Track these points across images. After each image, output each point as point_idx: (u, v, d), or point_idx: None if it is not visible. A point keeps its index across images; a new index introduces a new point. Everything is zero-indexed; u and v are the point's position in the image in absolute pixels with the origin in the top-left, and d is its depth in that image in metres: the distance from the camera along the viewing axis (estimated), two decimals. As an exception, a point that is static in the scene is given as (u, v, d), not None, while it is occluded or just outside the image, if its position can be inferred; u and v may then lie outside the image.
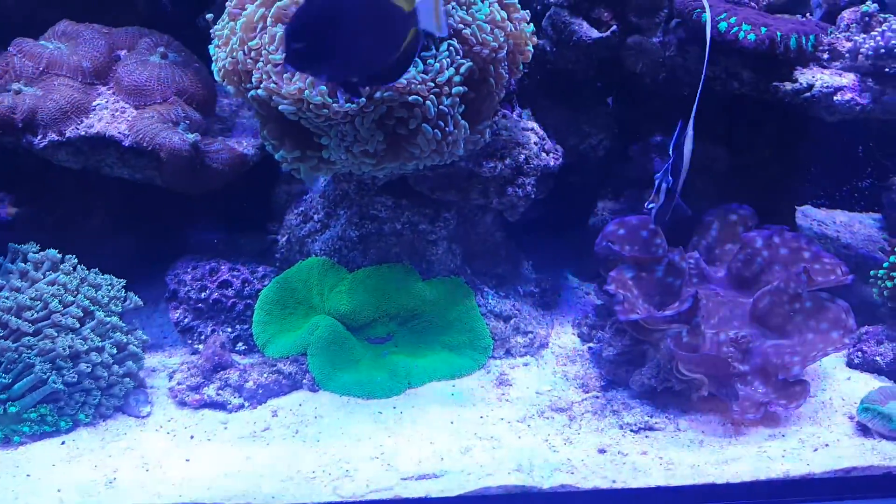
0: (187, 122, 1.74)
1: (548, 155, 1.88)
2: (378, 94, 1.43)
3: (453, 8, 1.48)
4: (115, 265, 1.83)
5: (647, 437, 1.73)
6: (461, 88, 1.49)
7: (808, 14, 2.11)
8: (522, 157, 1.81)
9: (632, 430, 1.74)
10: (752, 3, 1.99)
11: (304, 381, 1.81)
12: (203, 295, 1.83)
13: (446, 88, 1.48)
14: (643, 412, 1.79)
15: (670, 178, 1.66)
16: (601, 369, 1.91)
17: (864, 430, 1.71)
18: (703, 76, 1.65)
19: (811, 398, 1.87)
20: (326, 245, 1.86)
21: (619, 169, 2.24)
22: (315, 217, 1.87)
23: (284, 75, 1.44)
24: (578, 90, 2.03)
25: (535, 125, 1.88)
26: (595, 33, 1.79)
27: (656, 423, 1.76)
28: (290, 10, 1.46)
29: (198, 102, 1.80)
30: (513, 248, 2.14)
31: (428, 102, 1.47)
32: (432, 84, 1.46)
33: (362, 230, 1.84)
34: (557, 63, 1.91)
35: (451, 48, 1.48)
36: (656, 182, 1.66)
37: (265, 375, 1.78)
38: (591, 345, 2.03)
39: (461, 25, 1.49)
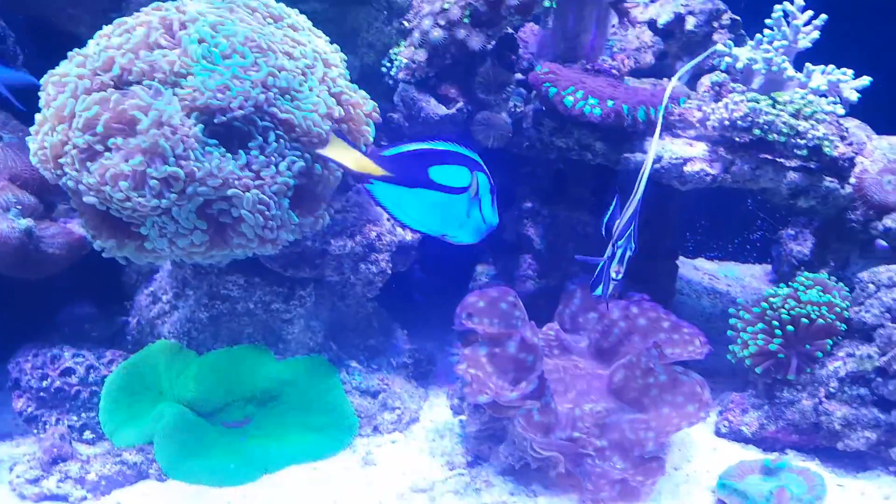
0: (19, 207, 1.68)
1: (404, 230, 1.85)
2: (190, 189, 1.39)
3: (275, 98, 1.45)
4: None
5: (505, 516, 1.70)
6: (289, 179, 1.46)
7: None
8: (374, 234, 1.78)
9: (492, 511, 1.71)
10: (614, 70, 2.00)
11: (151, 470, 1.74)
12: (44, 384, 1.77)
13: (270, 180, 1.45)
14: (504, 490, 1.76)
15: (633, 244, 1.64)
16: (468, 444, 1.88)
17: (723, 507, 1.70)
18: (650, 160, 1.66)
19: (676, 470, 1.86)
20: (175, 327, 1.81)
21: (496, 234, 2.23)
22: (164, 298, 1.82)
23: (87, 163, 1.39)
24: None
25: (388, 200, 1.85)
26: (442, 110, 1.78)
27: (515, 501, 1.73)
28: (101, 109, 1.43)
29: (36, 185, 1.75)
30: (386, 318, 2.11)
31: (250, 194, 1.44)
32: (253, 176, 1.43)
33: (212, 311, 1.80)
34: (413, 138, 1.89)
35: (279, 139, 1.45)
36: (619, 251, 1.63)
37: (108, 466, 1.71)
38: (461, 418, 2.00)
39: (287, 115, 1.46)
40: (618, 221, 1.68)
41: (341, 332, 2.00)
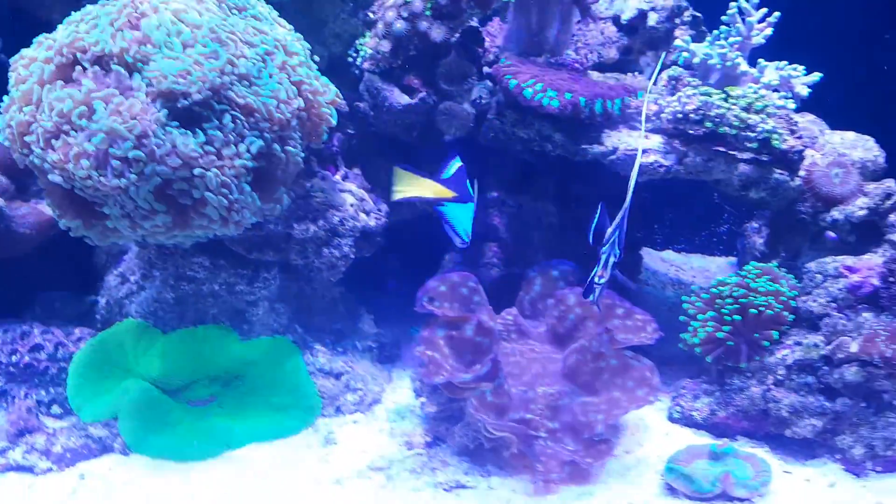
0: (-10, 187, 1.74)
1: (367, 216, 1.91)
2: (148, 169, 1.44)
3: (232, 83, 1.50)
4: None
5: (458, 495, 1.75)
6: (248, 161, 1.51)
7: (636, 73, 2.18)
8: (337, 218, 1.83)
9: (444, 489, 1.76)
10: (577, 64, 2.05)
11: (116, 444, 1.80)
12: (14, 359, 1.82)
13: (229, 161, 1.50)
14: (459, 470, 1.81)
15: (617, 250, 1.65)
16: (428, 426, 1.93)
17: (672, 490, 1.74)
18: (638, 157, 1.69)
19: (628, 454, 1.91)
20: (142, 307, 1.86)
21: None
22: (132, 278, 1.88)
23: (52, 142, 1.44)
24: (410, 151, 2.06)
25: (353, 187, 1.91)
26: (405, 100, 1.83)
27: (468, 481, 1.78)
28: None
29: (7, 166, 1.80)
30: (353, 302, 2.16)
31: (210, 174, 1.49)
32: (215, 154, 1.48)
33: (178, 292, 1.85)
34: (378, 126, 1.94)
35: (236, 120, 1.50)
36: (604, 256, 1.63)
37: (73, 439, 1.77)
38: (422, 400, 2.05)
39: (245, 101, 1.51)
40: (609, 229, 1.66)
41: (308, 316, 2.05)
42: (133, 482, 1.72)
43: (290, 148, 1.58)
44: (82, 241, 1.74)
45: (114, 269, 1.91)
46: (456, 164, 1.83)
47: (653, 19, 2.13)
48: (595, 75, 2.12)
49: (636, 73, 2.16)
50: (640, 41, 2.19)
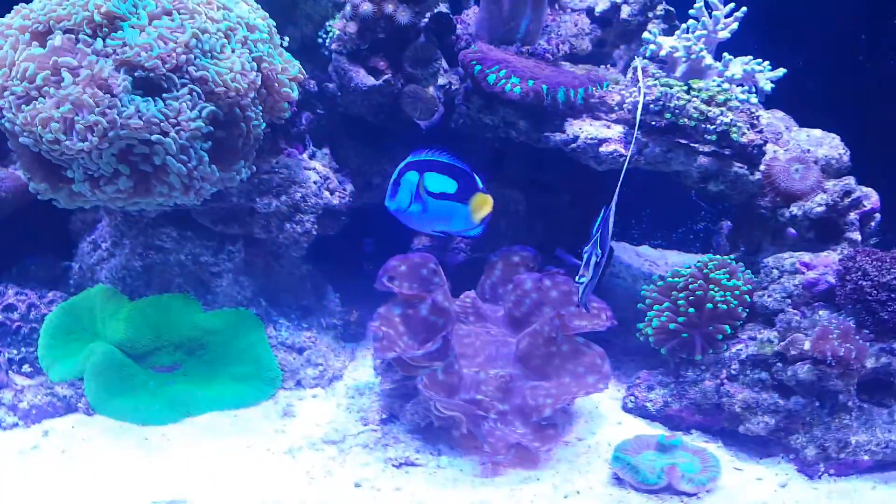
0: (-32, 152, 1.81)
1: (332, 194, 1.95)
2: (112, 133, 1.50)
3: (196, 57, 1.55)
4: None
5: (406, 472, 1.78)
6: (201, 123, 1.56)
7: (608, 66, 2.20)
8: (299, 195, 1.88)
9: (393, 465, 1.79)
10: (548, 54, 2.07)
11: (80, 404, 1.87)
12: (-14, 317, 1.90)
13: (186, 124, 1.56)
14: (410, 447, 1.84)
15: (599, 251, 1.62)
16: (385, 402, 1.97)
17: (619, 479, 1.74)
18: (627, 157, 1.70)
19: (580, 441, 1.93)
20: (112, 274, 1.92)
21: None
22: (103, 246, 1.94)
23: (23, 107, 1.51)
24: (382, 132, 2.11)
25: (318, 165, 1.95)
26: (371, 81, 1.87)
27: (417, 458, 1.81)
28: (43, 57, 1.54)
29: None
30: (320, 280, 2.21)
31: (169, 139, 1.55)
32: (175, 121, 1.54)
33: (146, 260, 1.91)
34: (346, 107, 1.99)
35: (192, 92, 1.56)
36: (585, 255, 1.62)
37: (39, 397, 1.84)
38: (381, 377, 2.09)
39: (202, 72, 1.56)
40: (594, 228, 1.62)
41: (275, 291, 2.10)
42: (92, 440, 1.79)
43: (249, 118, 1.63)
44: (60, 208, 1.81)
45: (87, 236, 1.98)
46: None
47: (625, 12, 2.15)
48: (567, 66, 2.14)
49: (609, 66, 2.18)
50: (614, 33, 2.21)
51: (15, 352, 1.93)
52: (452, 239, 2.23)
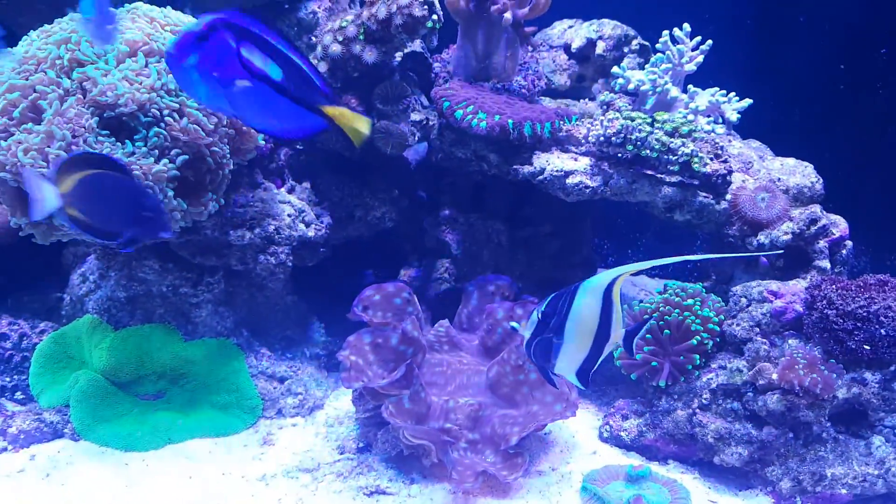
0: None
1: (307, 227, 2.01)
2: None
3: (159, 96, 1.64)
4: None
5: (377, 501, 1.80)
6: (165, 168, 1.65)
7: (587, 100, 2.23)
8: (272, 227, 1.95)
9: (365, 494, 1.81)
10: (524, 90, 2.12)
11: (66, 430, 1.94)
12: (-20, 347, 2.00)
13: (149, 169, 1.64)
14: (384, 476, 1.86)
15: (544, 311, 1.41)
16: (362, 431, 2.00)
17: (588, 508, 1.75)
18: None
19: (553, 470, 1.92)
20: (98, 305, 2.01)
21: (421, 238, 2.37)
22: (91, 278, 2.03)
23: (2, 143, 1.61)
24: (363, 166, 2.17)
25: (293, 199, 2.02)
26: (342, 117, 1.94)
27: (389, 487, 1.83)
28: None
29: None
30: (304, 311, 2.26)
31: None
32: (137, 167, 1.62)
33: (130, 291, 1.99)
34: (323, 143, 2.06)
35: (159, 134, 1.64)
36: (532, 313, 1.47)
37: (28, 423, 1.92)
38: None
39: (169, 113, 1.65)
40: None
41: (258, 322, 2.16)
42: (76, 465, 1.85)
43: (216, 153, 1.71)
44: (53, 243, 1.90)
45: (78, 268, 2.08)
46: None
47: (601, 48, 2.19)
48: (547, 101, 2.19)
49: (588, 100, 2.21)
50: (593, 69, 2.25)
51: (7, 379, 2.02)
52: (436, 269, 2.26)
